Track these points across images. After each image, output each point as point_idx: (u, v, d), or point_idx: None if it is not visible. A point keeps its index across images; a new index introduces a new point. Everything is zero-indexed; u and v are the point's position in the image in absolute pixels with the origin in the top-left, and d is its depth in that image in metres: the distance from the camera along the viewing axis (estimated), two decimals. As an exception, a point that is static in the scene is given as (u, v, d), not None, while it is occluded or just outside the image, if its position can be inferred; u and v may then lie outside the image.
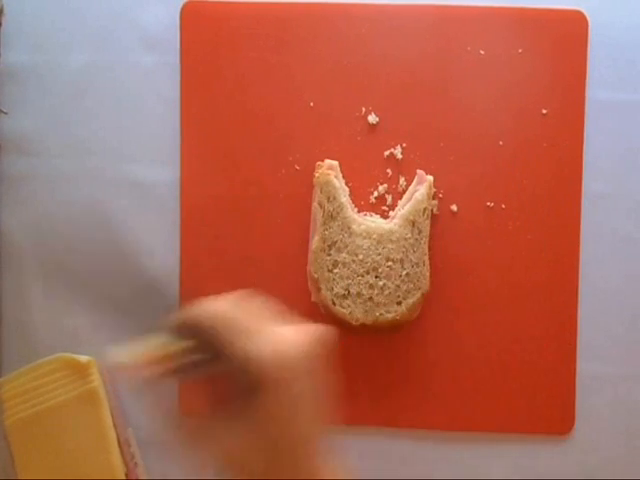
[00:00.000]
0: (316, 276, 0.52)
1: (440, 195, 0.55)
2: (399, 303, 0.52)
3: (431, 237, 0.53)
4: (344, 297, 0.52)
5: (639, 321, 0.56)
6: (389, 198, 0.55)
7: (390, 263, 0.52)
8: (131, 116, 0.57)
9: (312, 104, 0.55)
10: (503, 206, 0.55)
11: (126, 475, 0.54)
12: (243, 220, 0.56)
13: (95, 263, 0.57)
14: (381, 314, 0.52)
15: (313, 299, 0.54)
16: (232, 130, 0.56)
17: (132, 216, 0.57)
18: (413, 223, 0.52)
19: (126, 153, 0.57)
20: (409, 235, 0.52)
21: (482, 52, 0.55)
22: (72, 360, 0.54)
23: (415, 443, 0.56)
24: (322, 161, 0.54)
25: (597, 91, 0.55)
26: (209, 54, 0.56)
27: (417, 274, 0.52)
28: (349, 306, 0.52)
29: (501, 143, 0.55)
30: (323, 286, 0.52)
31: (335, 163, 0.54)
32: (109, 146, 0.57)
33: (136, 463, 0.56)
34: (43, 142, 0.57)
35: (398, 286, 0.52)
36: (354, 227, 0.52)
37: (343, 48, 0.55)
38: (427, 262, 0.52)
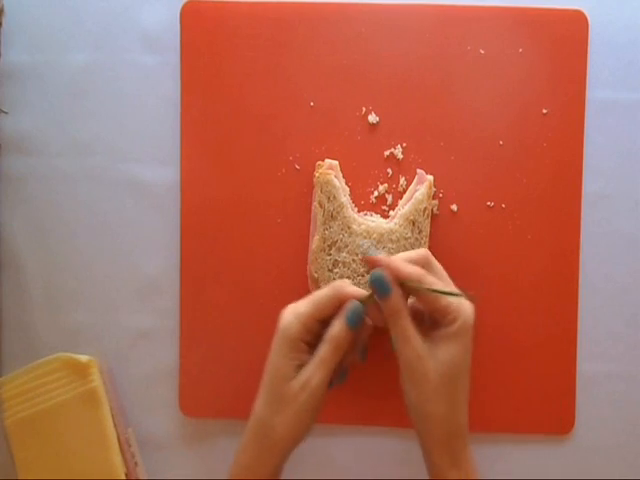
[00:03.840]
0: (316, 276, 0.52)
1: (440, 195, 0.55)
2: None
3: (431, 237, 0.53)
4: (344, 297, 0.52)
5: (639, 321, 0.56)
6: (389, 198, 0.55)
7: (390, 263, 0.52)
8: (131, 116, 0.57)
9: (312, 104, 0.55)
10: (503, 206, 0.55)
11: (126, 475, 0.54)
12: (243, 220, 0.56)
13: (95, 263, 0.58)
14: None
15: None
16: (232, 130, 0.56)
17: (132, 216, 0.57)
18: (413, 223, 0.52)
19: (126, 153, 0.57)
20: (409, 235, 0.52)
21: (482, 52, 0.55)
22: (72, 360, 0.54)
23: (415, 443, 0.56)
24: (322, 161, 0.54)
25: (597, 91, 0.55)
26: (209, 54, 0.56)
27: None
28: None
29: (501, 143, 0.55)
30: (323, 286, 0.52)
31: (335, 163, 0.54)
32: (109, 146, 0.57)
33: (136, 463, 0.56)
34: (43, 142, 0.57)
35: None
36: (354, 227, 0.52)
37: (343, 48, 0.55)
38: (427, 262, 0.52)
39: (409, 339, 0.42)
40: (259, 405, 0.44)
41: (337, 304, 0.44)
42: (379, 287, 0.43)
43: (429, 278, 0.43)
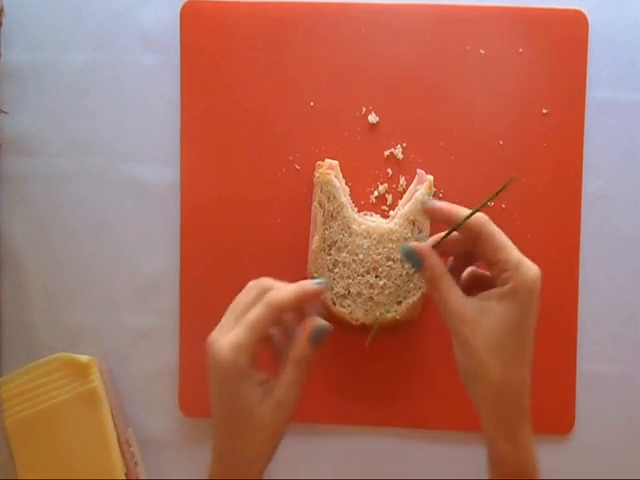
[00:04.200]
0: (316, 276, 0.52)
1: (440, 195, 0.55)
2: (399, 303, 0.52)
3: (431, 237, 0.53)
4: (344, 297, 0.52)
5: (639, 321, 0.56)
6: (389, 198, 0.55)
7: (390, 263, 0.52)
8: (131, 116, 0.57)
9: (312, 104, 0.55)
10: (503, 206, 0.55)
11: (126, 475, 0.54)
12: (243, 220, 0.56)
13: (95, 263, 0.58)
14: (381, 313, 0.52)
15: (313, 299, 0.54)
16: (232, 130, 0.56)
17: (132, 216, 0.57)
18: (413, 223, 0.52)
19: (126, 153, 0.57)
20: (409, 235, 0.52)
21: (482, 52, 0.55)
22: (72, 360, 0.54)
23: (415, 443, 0.56)
24: (322, 161, 0.54)
25: (597, 91, 0.55)
26: (209, 54, 0.56)
27: (417, 274, 0.52)
28: (349, 306, 0.52)
29: (501, 143, 0.55)
30: (323, 286, 0.52)
31: (335, 163, 0.54)
32: (109, 146, 0.57)
33: (136, 463, 0.56)
34: (43, 142, 0.57)
35: (398, 286, 0.52)
36: (354, 227, 0.52)
37: (343, 48, 0.55)
38: (427, 262, 0.52)
39: (452, 303, 0.41)
40: (221, 439, 0.42)
41: (275, 319, 0.41)
42: (411, 260, 0.43)
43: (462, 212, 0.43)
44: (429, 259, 0.42)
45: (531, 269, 0.41)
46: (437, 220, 0.45)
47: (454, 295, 0.42)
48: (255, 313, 0.41)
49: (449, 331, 0.42)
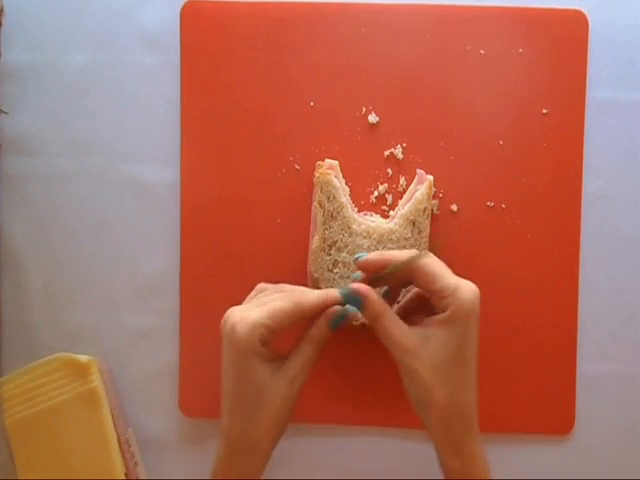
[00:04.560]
0: (316, 276, 0.52)
1: (440, 195, 0.55)
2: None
3: (431, 237, 0.53)
4: (344, 297, 0.52)
5: (639, 320, 0.56)
6: (389, 198, 0.55)
7: (390, 263, 0.52)
8: (131, 116, 0.57)
9: (312, 104, 0.55)
10: (503, 206, 0.55)
11: (126, 475, 0.54)
12: (243, 220, 0.56)
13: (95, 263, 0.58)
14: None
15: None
16: (232, 130, 0.56)
17: (132, 216, 0.57)
18: (413, 223, 0.52)
19: (126, 153, 0.57)
20: (409, 235, 0.52)
21: (482, 52, 0.55)
22: (72, 360, 0.54)
23: (414, 443, 0.56)
24: (322, 161, 0.54)
25: (597, 91, 0.55)
26: (209, 54, 0.56)
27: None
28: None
29: (501, 143, 0.55)
30: (323, 286, 0.52)
31: (335, 163, 0.54)
32: (109, 146, 0.57)
33: (136, 463, 0.56)
34: (43, 142, 0.57)
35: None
36: (354, 227, 0.52)
37: (343, 48, 0.55)
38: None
39: (395, 336, 0.42)
40: (230, 418, 0.43)
41: (295, 317, 0.43)
42: (350, 301, 0.44)
43: (399, 256, 0.44)
44: (368, 298, 0.43)
45: (467, 292, 0.42)
46: (370, 272, 0.46)
47: (396, 328, 0.43)
48: (279, 303, 0.43)
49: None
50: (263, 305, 0.43)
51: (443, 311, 0.42)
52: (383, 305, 0.43)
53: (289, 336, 0.44)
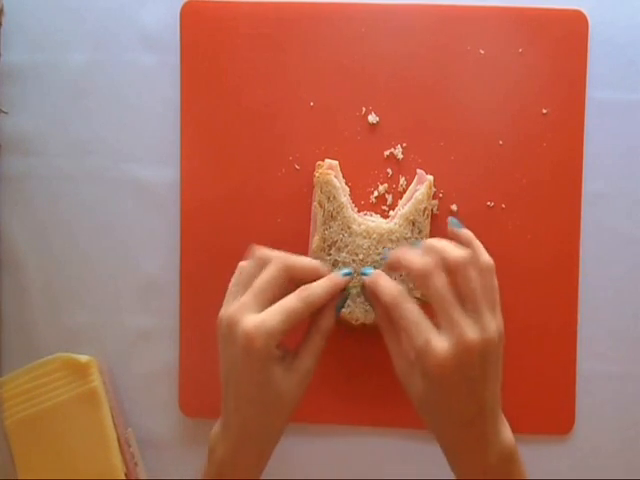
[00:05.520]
0: (316, 276, 0.52)
1: (440, 195, 0.55)
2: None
3: (431, 237, 0.53)
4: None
5: (639, 321, 0.56)
6: (389, 198, 0.55)
7: (390, 263, 0.52)
8: (131, 116, 0.57)
9: (312, 104, 0.55)
10: (503, 206, 0.55)
11: (126, 475, 0.54)
12: (243, 220, 0.56)
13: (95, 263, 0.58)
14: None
15: (313, 299, 0.54)
16: (232, 130, 0.56)
17: (132, 216, 0.57)
18: (413, 223, 0.52)
19: (126, 153, 0.57)
20: (409, 235, 0.52)
21: (482, 52, 0.55)
22: (72, 360, 0.54)
23: (414, 443, 0.56)
24: (322, 161, 0.54)
25: (597, 91, 0.55)
26: (209, 54, 0.56)
27: None
28: (349, 306, 0.52)
29: (501, 143, 0.55)
30: (323, 286, 0.52)
31: (335, 163, 0.54)
32: (109, 146, 0.57)
33: (136, 463, 0.56)
34: (43, 142, 0.57)
35: (398, 286, 0.52)
36: (354, 227, 0.52)
37: (343, 48, 0.55)
38: (427, 262, 0.52)
39: (397, 354, 0.45)
40: (242, 419, 0.43)
41: (309, 314, 0.43)
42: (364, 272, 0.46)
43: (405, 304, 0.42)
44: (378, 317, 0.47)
45: (433, 360, 0.40)
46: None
47: (397, 349, 0.45)
48: (291, 304, 0.42)
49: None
50: (274, 308, 0.41)
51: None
52: (388, 322, 0.46)
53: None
